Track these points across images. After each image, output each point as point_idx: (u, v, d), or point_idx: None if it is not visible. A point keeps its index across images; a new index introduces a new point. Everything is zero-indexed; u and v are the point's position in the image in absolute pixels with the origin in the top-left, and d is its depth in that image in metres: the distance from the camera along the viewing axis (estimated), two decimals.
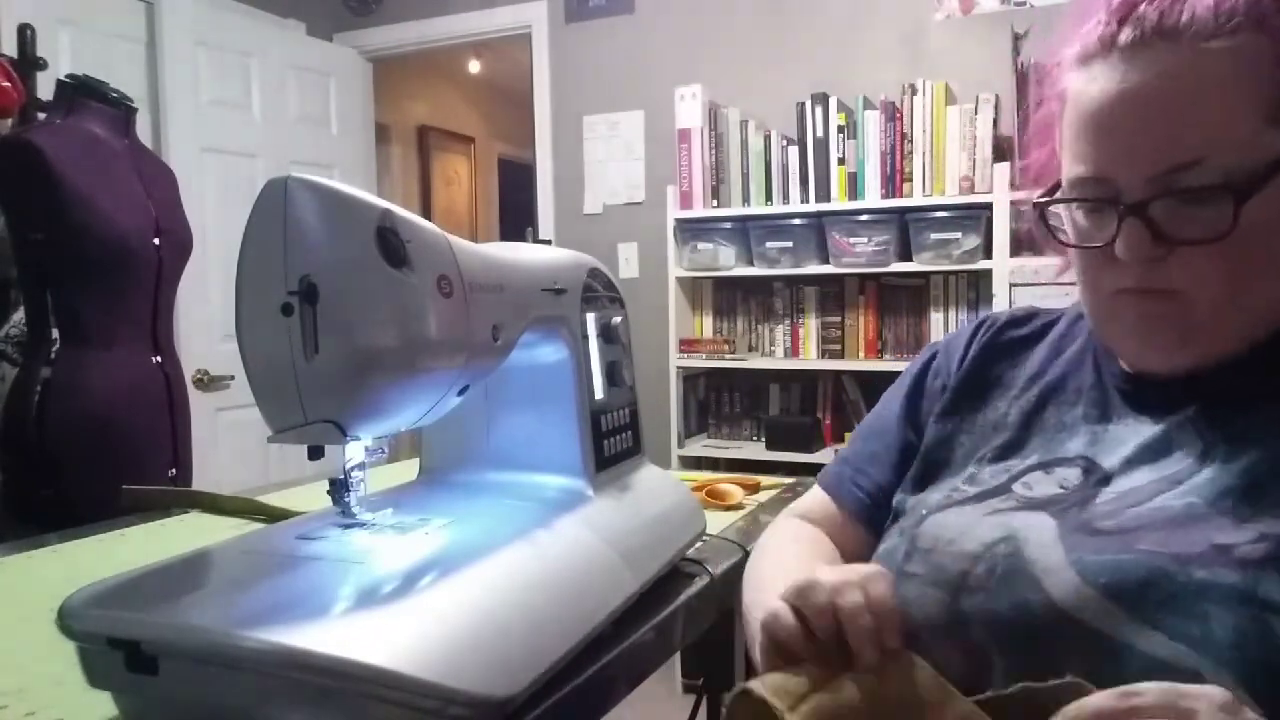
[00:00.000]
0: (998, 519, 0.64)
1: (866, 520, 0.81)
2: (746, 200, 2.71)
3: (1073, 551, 0.58)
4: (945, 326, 2.59)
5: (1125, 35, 0.60)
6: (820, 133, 2.59)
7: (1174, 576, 0.53)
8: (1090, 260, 0.65)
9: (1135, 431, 0.65)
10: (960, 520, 0.66)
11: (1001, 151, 2.41)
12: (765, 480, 1.25)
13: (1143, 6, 0.59)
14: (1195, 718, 0.46)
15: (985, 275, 2.41)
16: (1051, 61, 0.69)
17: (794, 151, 2.64)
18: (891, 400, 0.84)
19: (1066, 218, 0.67)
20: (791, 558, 0.78)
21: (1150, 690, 0.48)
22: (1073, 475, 0.66)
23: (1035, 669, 0.53)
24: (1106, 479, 0.64)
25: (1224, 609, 0.51)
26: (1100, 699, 0.48)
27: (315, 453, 0.58)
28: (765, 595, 0.67)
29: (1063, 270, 0.73)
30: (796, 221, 2.63)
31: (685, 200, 2.77)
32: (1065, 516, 0.62)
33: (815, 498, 0.87)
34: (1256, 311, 0.61)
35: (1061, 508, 0.63)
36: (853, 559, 0.78)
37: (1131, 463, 0.64)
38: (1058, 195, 0.67)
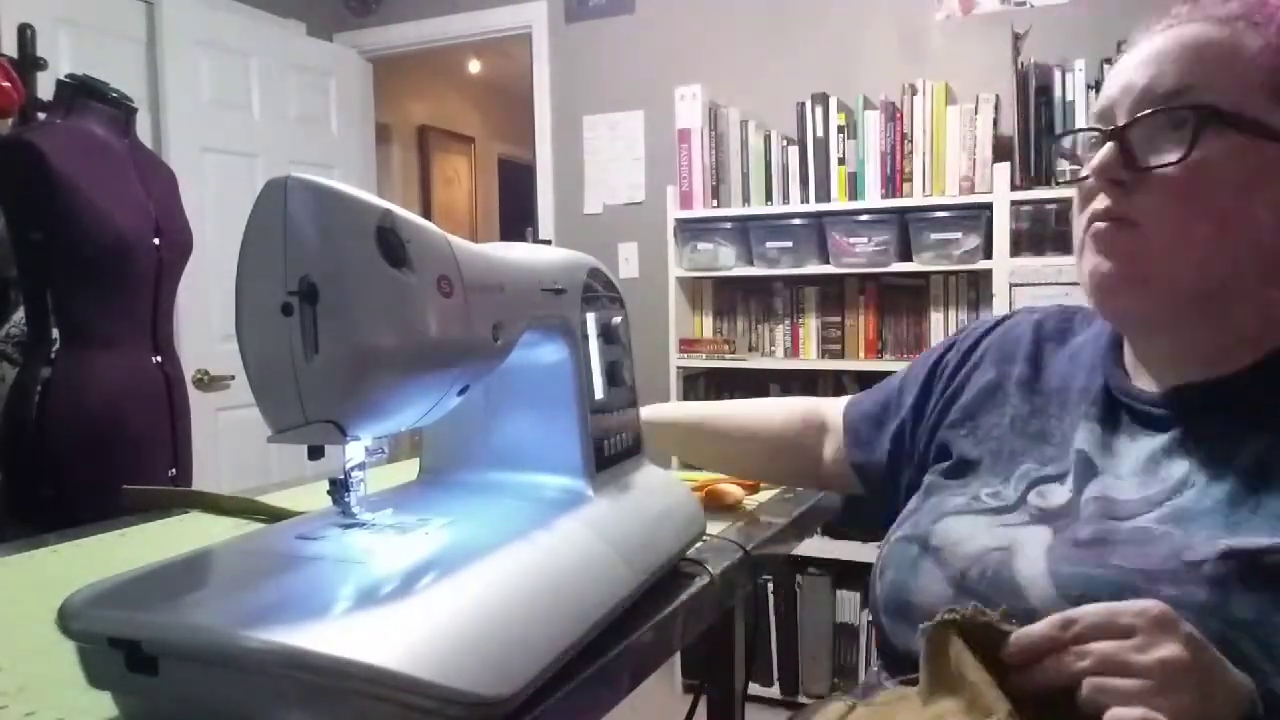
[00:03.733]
0: (1003, 531, 0.68)
1: (853, 441, 0.94)
2: (746, 200, 2.71)
3: (1054, 563, 0.62)
4: (945, 326, 2.59)
5: (1153, 17, 0.68)
6: (820, 133, 2.59)
7: (1141, 592, 0.55)
8: (1081, 194, 0.69)
9: (1131, 447, 0.68)
10: (971, 527, 0.69)
11: (1001, 151, 2.40)
12: None
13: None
14: (1134, 633, 0.49)
15: (985, 275, 2.41)
16: None
17: (794, 151, 2.64)
18: (912, 380, 0.91)
19: (1077, 157, 0.73)
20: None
21: (1087, 613, 0.51)
22: (1075, 478, 0.70)
23: None
24: (1098, 491, 0.67)
25: (1189, 619, 0.52)
26: (1041, 627, 0.52)
27: (315, 453, 0.58)
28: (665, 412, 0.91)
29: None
30: (796, 221, 2.63)
31: (685, 200, 2.77)
32: (1063, 529, 0.65)
33: (830, 401, 1.00)
34: (1201, 265, 0.64)
35: (1065, 520, 0.66)
36: (808, 453, 0.98)
37: (1122, 480, 0.67)
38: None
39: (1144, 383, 0.71)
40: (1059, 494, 0.69)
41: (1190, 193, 0.62)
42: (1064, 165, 0.78)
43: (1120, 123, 0.65)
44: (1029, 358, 0.80)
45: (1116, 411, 0.71)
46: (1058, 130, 2.23)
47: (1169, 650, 0.48)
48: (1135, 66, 0.66)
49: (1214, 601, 0.55)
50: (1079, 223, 0.69)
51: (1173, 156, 0.62)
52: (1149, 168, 0.63)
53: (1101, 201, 0.66)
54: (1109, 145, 0.65)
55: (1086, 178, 0.67)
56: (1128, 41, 0.70)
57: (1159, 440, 0.66)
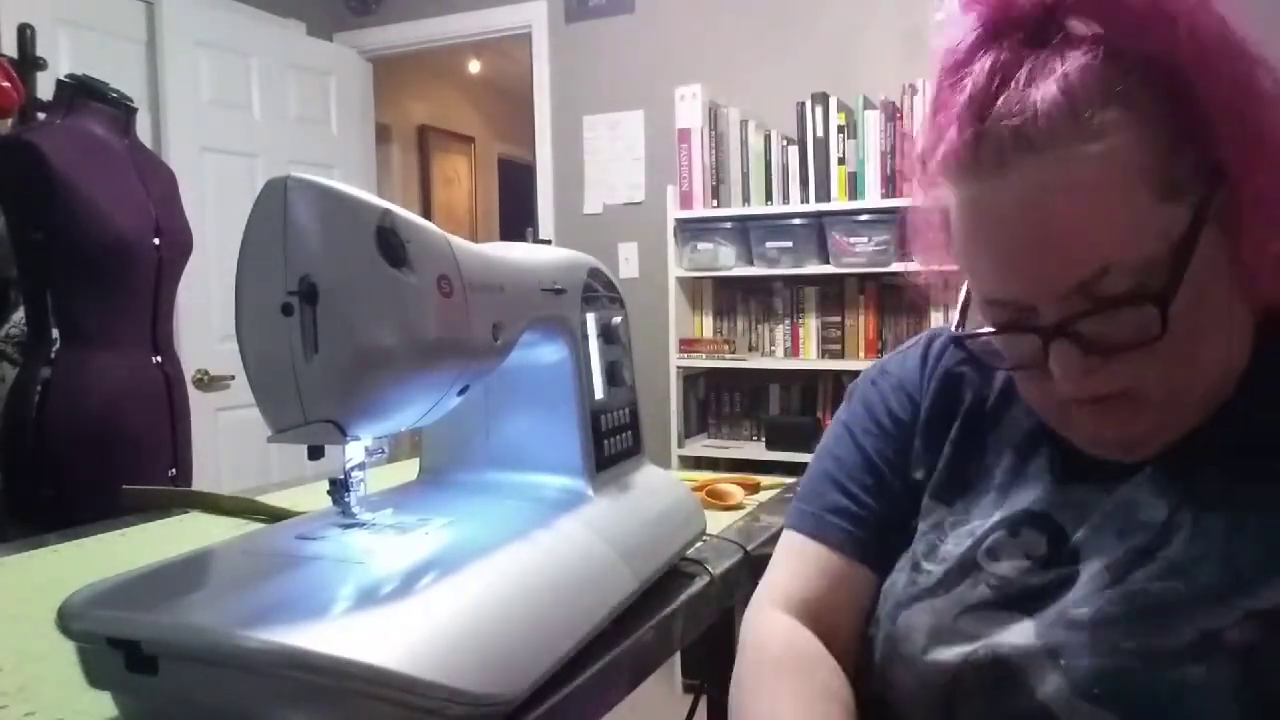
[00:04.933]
0: (972, 624, 0.60)
1: (861, 553, 0.70)
2: (746, 200, 2.71)
3: (1055, 654, 0.55)
4: None
5: (987, 155, 0.54)
6: (820, 133, 2.59)
7: (1166, 677, 0.51)
8: (1028, 379, 0.62)
9: (1096, 497, 0.61)
10: (932, 619, 0.62)
11: None
12: (765, 480, 1.24)
13: (989, 123, 0.54)
14: None
15: None
16: (918, 149, 0.64)
17: (794, 151, 2.63)
18: (843, 435, 0.75)
19: (993, 342, 0.63)
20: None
21: None
22: (1039, 544, 0.61)
23: None
24: (1074, 555, 0.60)
25: (1224, 705, 0.49)
26: None
27: (315, 453, 0.58)
28: None
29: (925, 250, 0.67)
30: (796, 221, 2.62)
31: (685, 200, 2.77)
32: (1042, 613, 0.58)
33: (795, 553, 0.73)
34: (1206, 386, 0.58)
35: (1035, 602, 0.59)
36: (860, 604, 0.70)
37: (1098, 531, 0.59)
38: (971, 322, 0.63)
39: None
40: (1011, 553, 0.61)
41: (1177, 342, 0.54)
42: (989, 355, 0.63)
43: (1054, 320, 0.55)
44: (970, 384, 0.71)
45: (1073, 459, 0.63)
46: None
47: None
48: (1015, 243, 0.55)
49: (1244, 676, 0.50)
50: (1039, 398, 0.62)
51: (1143, 333, 0.53)
52: (1121, 348, 0.55)
53: (1071, 390, 0.57)
54: (1060, 344, 0.55)
55: (1033, 369, 0.59)
56: (947, 161, 0.58)
57: (1126, 486, 0.60)
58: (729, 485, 1.15)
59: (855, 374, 2.92)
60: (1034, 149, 0.52)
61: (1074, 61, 0.53)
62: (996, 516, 0.64)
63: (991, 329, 0.60)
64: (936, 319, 2.61)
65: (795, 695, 0.63)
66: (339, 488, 0.64)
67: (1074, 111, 0.52)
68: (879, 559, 0.70)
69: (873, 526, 0.71)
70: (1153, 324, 0.52)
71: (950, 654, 0.59)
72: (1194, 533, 0.56)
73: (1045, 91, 0.52)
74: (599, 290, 0.83)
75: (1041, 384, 0.59)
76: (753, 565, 0.91)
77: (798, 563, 0.73)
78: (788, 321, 2.82)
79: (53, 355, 1.63)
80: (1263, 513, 0.55)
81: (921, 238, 0.66)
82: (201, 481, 1.86)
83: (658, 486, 0.86)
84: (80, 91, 1.76)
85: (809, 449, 2.65)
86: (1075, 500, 0.62)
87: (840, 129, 2.56)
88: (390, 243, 0.55)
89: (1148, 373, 0.55)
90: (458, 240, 0.63)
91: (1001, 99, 0.54)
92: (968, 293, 0.64)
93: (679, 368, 2.81)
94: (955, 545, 0.64)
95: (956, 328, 0.65)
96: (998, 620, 0.59)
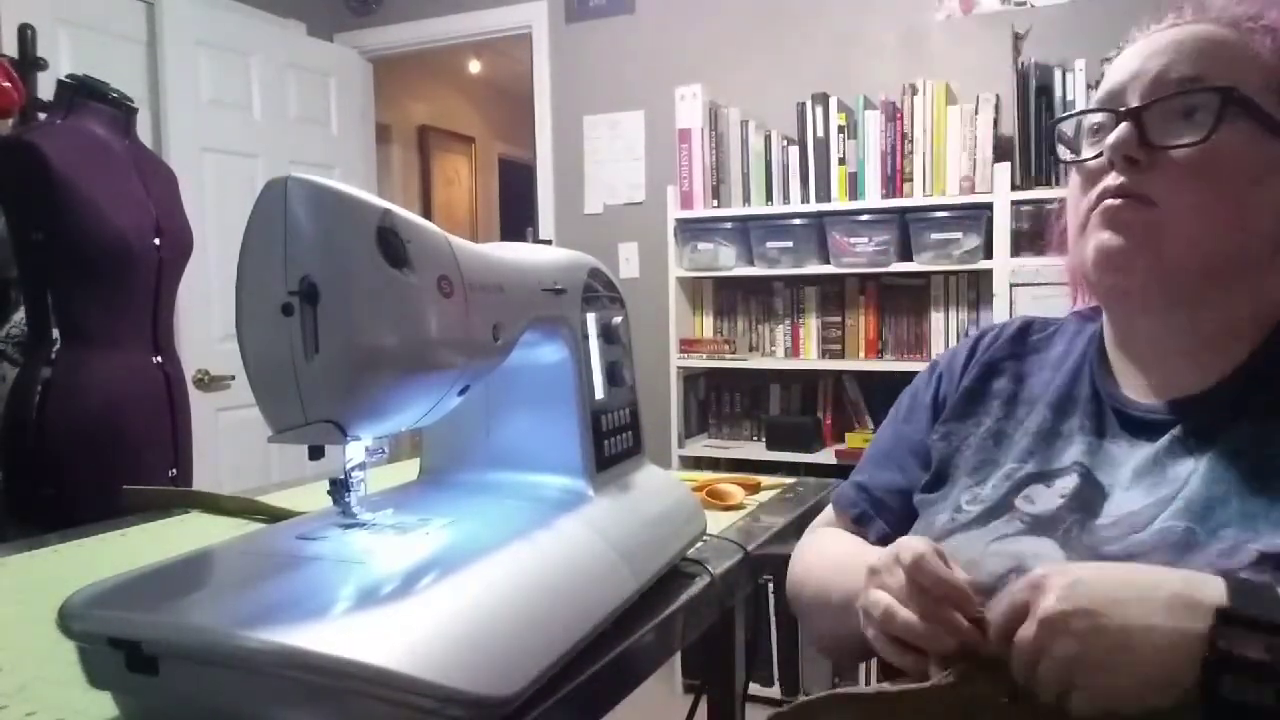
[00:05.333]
0: (1002, 546, 0.66)
1: (867, 523, 0.83)
2: (747, 200, 2.71)
3: None
4: (946, 326, 2.59)
5: (1166, 8, 0.68)
6: (820, 133, 2.59)
7: None
8: (1085, 175, 0.69)
9: (1129, 454, 0.67)
10: (968, 549, 0.67)
11: (1002, 151, 2.40)
12: (766, 480, 1.25)
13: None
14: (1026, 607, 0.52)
15: (986, 275, 2.41)
16: None
17: (794, 151, 2.63)
18: (911, 430, 0.85)
19: (1076, 144, 0.72)
20: (849, 544, 0.82)
21: (995, 613, 0.54)
22: (1070, 484, 0.68)
23: None
24: (1105, 495, 0.66)
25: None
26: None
27: (315, 453, 0.58)
28: (845, 578, 0.71)
29: (1060, 216, 0.76)
30: (797, 221, 2.62)
31: (685, 200, 2.77)
32: (1069, 540, 0.64)
33: (829, 515, 0.89)
34: (1213, 254, 0.64)
35: (1064, 529, 0.65)
36: None
37: (1128, 484, 0.65)
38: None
39: (1134, 391, 0.70)
40: (1047, 498, 0.68)
41: (1210, 173, 0.63)
42: (1063, 151, 0.75)
43: (1133, 104, 0.65)
44: (1008, 370, 0.80)
45: (1108, 420, 0.70)
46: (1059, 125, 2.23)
47: (1045, 607, 0.51)
48: (1144, 56, 0.66)
49: None
50: (1083, 203, 0.69)
51: (1191, 138, 0.63)
52: (1167, 147, 0.64)
53: (1114, 179, 0.65)
54: (1124, 124, 0.65)
55: (1096, 156, 0.67)
56: (1127, 39, 0.70)
57: (1159, 444, 0.66)
58: (729, 485, 1.15)
59: (855, 374, 2.91)
60: (1204, 11, 0.67)
61: None
62: (1031, 467, 0.70)
63: (1087, 109, 0.70)
64: (937, 319, 2.61)
65: (838, 536, 0.84)
66: (339, 488, 0.64)
67: (1242, 7, 0.66)
68: (893, 525, 0.81)
69: (882, 502, 0.83)
70: (1204, 130, 0.62)
71: (984, 576, 0.64)
72: (1213, 478, 0.61)
73: None
74: (599, 290, 0.83)
75: (1090, 183, 0.68)
76: (753, 565, 0.91)
77: (832, 518, 0.89)
78: (788, 321, 2.82)
79: (53, 355, 1.63)
80: None
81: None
82: (201, 481, 1.86)
83: (658, 486, 0.86)
84: (80, 91, 1.76)
85: (809, 449, 2.66)
86: (1107, 456, 0.68)
87: (840, 129, 2.56)
88: (390, 243, 0.55)
89: (1175, 193, 0.63)
90: (458, 240, 0.63)
91: None
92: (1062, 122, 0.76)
93: (679, 368, 2.81)
94: (994, 490, 0.71)
95: (1054, 121, 0.77)
96: (1029, 545, 0.65)
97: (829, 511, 0.89)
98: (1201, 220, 0.63)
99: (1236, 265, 0.64)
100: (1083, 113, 0.71)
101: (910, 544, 0.59)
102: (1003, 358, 0.81)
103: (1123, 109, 0.66)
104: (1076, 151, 0.71)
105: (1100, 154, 0.66)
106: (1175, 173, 0.63)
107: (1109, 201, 0.66)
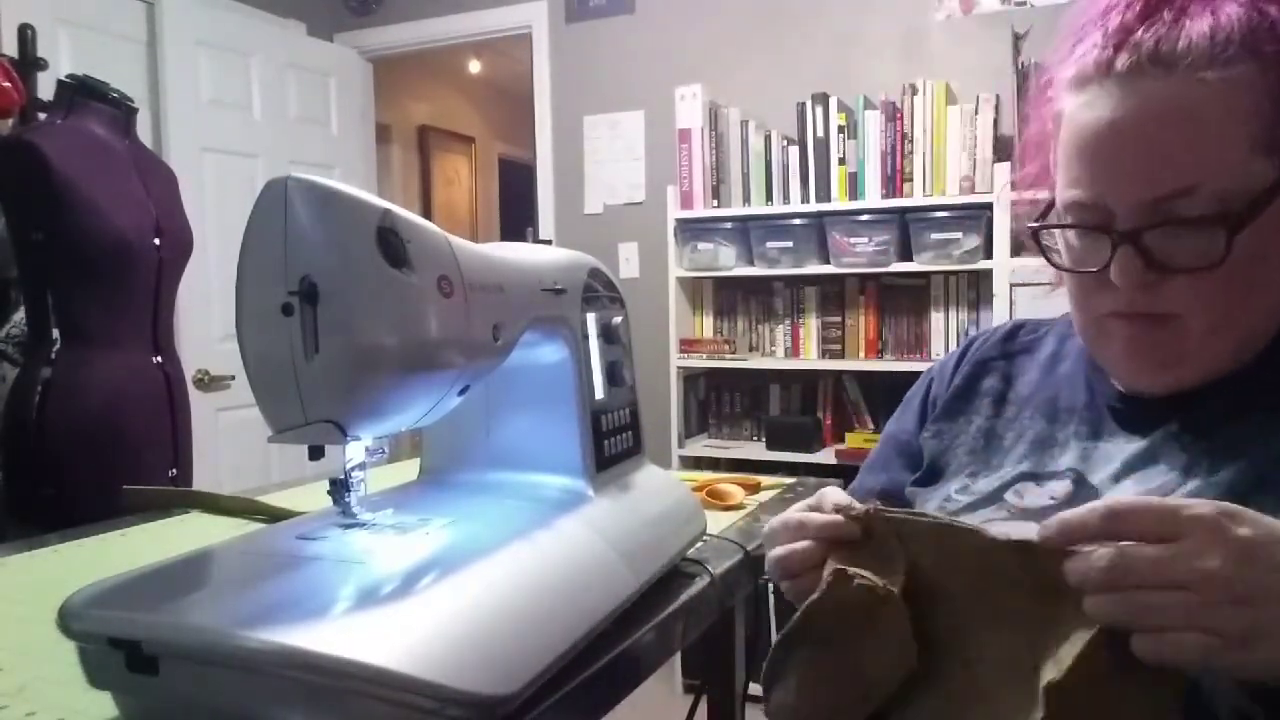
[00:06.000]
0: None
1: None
2: (747, 200, 2.71)
3: None
4: (945, 326, 2.59)
5: (1121, 62, 0.60)
6: (820, 133, 2.59)
7: None
8: (1083, 283, 0.66)
9: (1122, 449, 0.67)
10: None
11: (1002, 151, 2.40)
12: (766, 480, 1.24)
13: (1139, 33, 0.60)
14: (1181, 539, 0.45)
15: (986, 275, 2.41)
16: (1044, 78, 0.70)
17: (794, 151, 2.64)
18: (898, 430, 0.86)
19: (1060, 240, 0.68)
20: None
21: (1139, 511, 0.47)
22: (1061, 488, 0.68)
23: None
24: (1095, 493, 0.66)
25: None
26: (1083, 514, 0.48)
27: (315, 453, 0.58)
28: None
29: (1057, 286, 0.74)
30: (797, 221, 2.62)
31: (685, 200, 2.77)
32: None
33: None
34: (1244, 335, 0.63)
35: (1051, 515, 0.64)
36: None
37: (1118, 477, 0.65)
38: (1051, 219, 0.68)
39: (1129, 385, 0.70)
40: (1036, 495, 0.68)
41: (1231, 281, 0.59)
42: (1054, 256, 0.72)
43: (1128, 227, 0.60)
44: (997, 370, 0.80)
45: (1104, 422, 0.70)
46: None
47: (1211, 563, 0.44)
48: (1120, 145, 0.60)
49: None
50: (1086, 304, 0.67)
51: (1204, 259, 0.58)
52: (1181, 270, 0.60)
53: (1121, 301, 0.62)
54: (1126, 251, 0.60)
55: (1092, 271, 0.64)
56: (1078, 73, 0.63)
57: (1152, 438, 0.65)
58: (729, 485, 1.15)
59: (855, 374, 2.91)
60: (1167, 67, 0.58)
61: (1228, 11, 0.58)
62: (1025, 467, 0.71)
63: (1069, 223, 0.65)
64: (937, 319, 2.61)
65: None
66: (339, 488, 0.64)
67: (1213, 48, 0.57)
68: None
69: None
70: (1216, 250, 0.58)
71: None
72: (1208, 481, 0.60)
73: (1196, 25, 0.58)
74: (599, 290, 0.83)
75: (1092, 295, 0.65)
76: (753, 565, 0.91)
77: None
78: (788, 321, 2.82)
79: (53, 355, 1.63)
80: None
81: (1029, 148, 0.72)
82: (201, 481, 1.86)
83: (658, 486, 0.86)
84: (80, 91, 1.76)
85: (809, 449, 2.66)
86: (1101, 456, 0.68)
87: (840, 129, 2.56)
88: (390, 243, 0.55)
89: (1197, 305, 0.60)
90: (458, 240, 0.63)
91: (1148, 24, 0.60)
92: (1051, 199, 0.69)
93: (679, 368, 2.81)
94: (986, 484, 0.72)
95: (1035, 220, 0.70)
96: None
97: None
98: (1228, 323, 0.61)
99: (1269, 322, 0.64)
100: (1069, 226, 0.65)
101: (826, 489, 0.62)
102: (992, 358, 0.82)
103: (1115, 233, 0.61)
104: (1055, 254, 0.68)
105: (1100, 268, 0.63)
106: (1191, 288, 0.60)
107: (1121, 320, 0.64)
